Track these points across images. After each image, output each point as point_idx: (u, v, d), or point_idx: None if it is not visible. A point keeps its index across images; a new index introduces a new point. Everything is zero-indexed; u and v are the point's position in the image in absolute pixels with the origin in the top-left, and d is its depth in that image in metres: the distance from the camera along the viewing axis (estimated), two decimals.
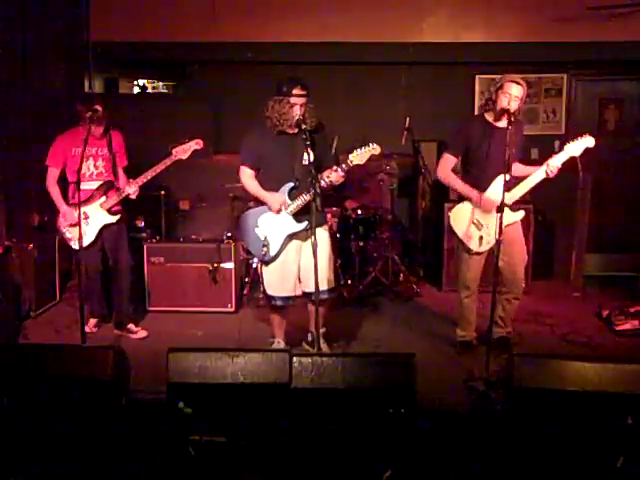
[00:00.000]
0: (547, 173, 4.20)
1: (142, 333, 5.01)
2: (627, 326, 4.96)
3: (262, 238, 4.22)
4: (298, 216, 4.18)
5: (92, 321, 5.07)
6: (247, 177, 4.30)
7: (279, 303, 4.34)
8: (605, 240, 6.76)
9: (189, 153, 4.73)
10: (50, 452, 3.07)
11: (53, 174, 4.79)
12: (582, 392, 3.04)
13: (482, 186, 4.30)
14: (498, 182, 4.16)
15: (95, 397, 3.14)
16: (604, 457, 2.96)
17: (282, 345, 4.49)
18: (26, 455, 3.06)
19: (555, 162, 4.18)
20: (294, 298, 4.37)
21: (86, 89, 6.92)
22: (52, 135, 4.89)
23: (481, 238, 4.30)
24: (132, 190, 4.73)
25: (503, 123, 4.15)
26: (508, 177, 4.05)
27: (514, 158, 4.23)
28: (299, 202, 4.13)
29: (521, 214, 4.36)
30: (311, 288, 3.92)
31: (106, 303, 5.16)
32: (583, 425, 3.04)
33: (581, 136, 4.16)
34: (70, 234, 4.77)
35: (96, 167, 4.80)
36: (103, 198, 4.80)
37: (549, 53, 6.64)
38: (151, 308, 5.50)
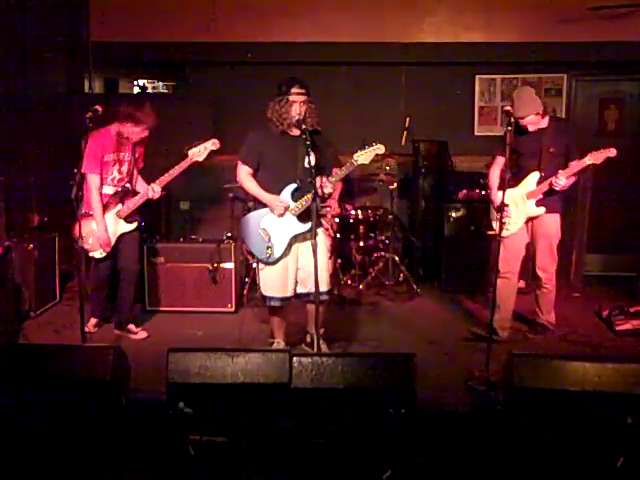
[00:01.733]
0: (552, 184, 4.51)
1: (142, 334, 5.00)
2: (627, 326, 4.96)
3: (266, 240, 4.21)
4: (302, 217, 4.18)
5: (93, 321, 5.06)
6: (244, 174, 4.29)
7: (276, 304, 4.33)
8: (605, 240, 6.76)
9: (206, 154, 4.59)
10: (50, 452, 3.07)
11: (94, 181, 4.51)
12: (582, 392, 3.04)
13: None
14: (526, 180, 4.63)
15: (95, 397, 3.14)
16: (604, 457, 2.96)
17: (282, 345, 4.48)
18: (26, 455, 3.06)
19: (564, 174, 4.48)
20: (290, 298, 4.36)
21: (86, 89, 6.92)
22: (52, 135, 4.88)
23: (503, 223, 4.36)
24: (157, 190, 4.65)
25: (531, 127, 4.52)
26: (537, 176, 4.57)
27: (552, 158, 4.56)
28: (303, 203, 4.14)
29: (541, 210, 4.63)
30: (309, 289, 3.93)
31: (108, 303, 5.16)
32: (583, 425, 3.04)
33: (604, 148, 4.40)
34: (88, 245, 4.65)
35: (120, 172, 4.66)
36: (119, 206, 4.69)
37: (549, 53, 6.64)
38: (151, 308, 5.50)
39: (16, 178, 5.62)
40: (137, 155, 4.78)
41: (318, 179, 4.05)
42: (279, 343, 4.50)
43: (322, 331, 4.41)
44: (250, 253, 4.48)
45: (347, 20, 6.62)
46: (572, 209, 6.03)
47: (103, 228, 4.61)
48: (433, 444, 3.20)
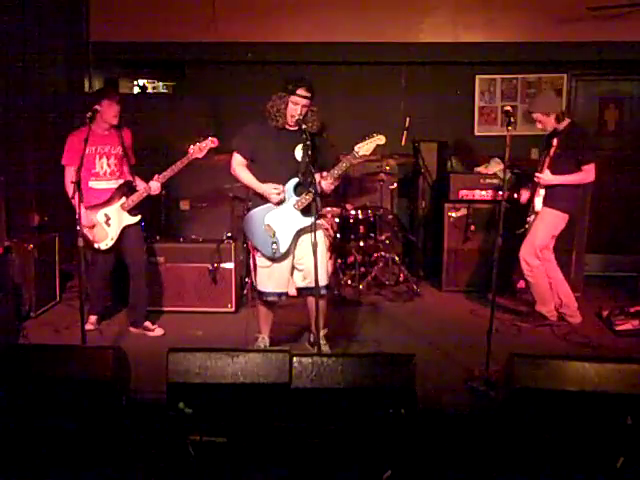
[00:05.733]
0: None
1: (159, 331, 5.01)
2: (627, 326, 4.96)
3: (271, 235, 4.19)
4: (305, 212, 4.16)
5: (92, 318, 5.06)
6: (238, 164, 4.27)
7: (269, 299, 4.34)
8: (605, 240, 6.76)
9: (205, 152, 4.76)
10: (50, 452, 3.07)
11: (70, 173, 4.69)
12: (582, 392, 3.04)
13: None
14: None
15: (95, 397, 3.14)
16: (604, 457, 2.96)
17: (266, 341, 4.47)
18: (26, 455, 3.06)
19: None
20: (285, 295, 4.35)
21: (86, 89, 6.92)
22: (52, 135, 4.89)
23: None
24: (155, 187, 4.77)
25: (540, 126, 5.03)
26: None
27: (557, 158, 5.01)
28: (306, 197, 4.11)
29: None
30: (307, 282, 4.14)
31: (109, 301, 5.16)
32: (583, 425, 3.04)
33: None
34: (91, 235, 4.74)
35: (109, 165, 4.78)
36: (123, 199, 4.80)
37: (549, 53, 6.65)
38: (151, 308, 5.47)
39: (16, 178, 5.62)
40: (126, 150, 4.84)
41: (317, 175, 4.08)
42: (263, 339, 4.48)
43: (325, 331, 4.42)
44: (255, 249, 4.40)
45: (347, 20, 6.63)
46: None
47: (82, 212, 4.54)
48: (433, 444, 3.20)
